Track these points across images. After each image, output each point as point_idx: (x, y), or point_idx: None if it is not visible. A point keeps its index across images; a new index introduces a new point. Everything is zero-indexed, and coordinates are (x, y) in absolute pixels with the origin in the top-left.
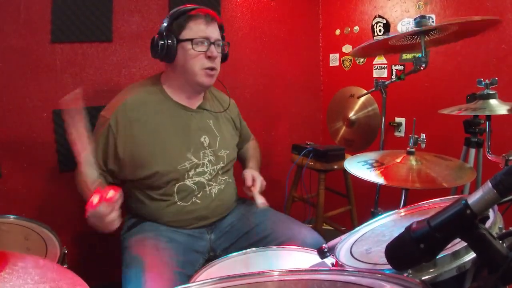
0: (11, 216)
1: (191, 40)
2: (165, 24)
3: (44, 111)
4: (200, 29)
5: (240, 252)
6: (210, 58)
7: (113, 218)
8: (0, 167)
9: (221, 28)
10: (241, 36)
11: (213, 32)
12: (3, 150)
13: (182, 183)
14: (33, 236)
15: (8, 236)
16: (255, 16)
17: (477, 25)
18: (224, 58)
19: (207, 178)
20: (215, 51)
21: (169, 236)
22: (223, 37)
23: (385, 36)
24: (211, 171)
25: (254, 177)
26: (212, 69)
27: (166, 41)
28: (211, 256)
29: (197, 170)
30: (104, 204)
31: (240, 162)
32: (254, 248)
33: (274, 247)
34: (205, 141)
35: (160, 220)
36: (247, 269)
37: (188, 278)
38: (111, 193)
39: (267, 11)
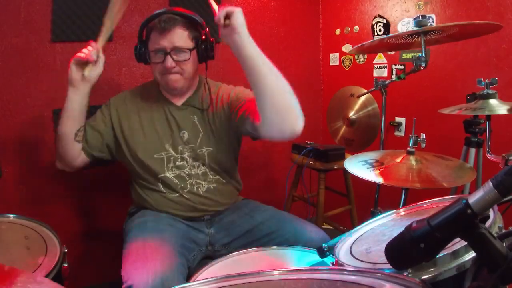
0: (11, 215)
1: (149, 51)
2: (139, 34)
3: (44, 110)
4: (156, 40)
5: (240, 251)
6: (166, 68)
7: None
8: (0, 167)
9: (192, 27)
10: None
11: (171, 40)
12: (3, 150)
13: (163, 175)
14: (33, 235)
15: (8, 235)
16: (255, 16)
17: (478, 27)
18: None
19: (187, 172)
20: (169, 62)
21: (169, 222)
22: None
23: (385, 36)
24: (191, 166)
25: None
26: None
27: (139, 49)
28: (209, 250)
29: (176, 163)
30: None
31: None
32: (255, 248)
33: (275, 247)
34: (184, 136)
35: (158, 209)
36: (248, 268)
37: (185, 260)
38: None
39: (267, 11)
